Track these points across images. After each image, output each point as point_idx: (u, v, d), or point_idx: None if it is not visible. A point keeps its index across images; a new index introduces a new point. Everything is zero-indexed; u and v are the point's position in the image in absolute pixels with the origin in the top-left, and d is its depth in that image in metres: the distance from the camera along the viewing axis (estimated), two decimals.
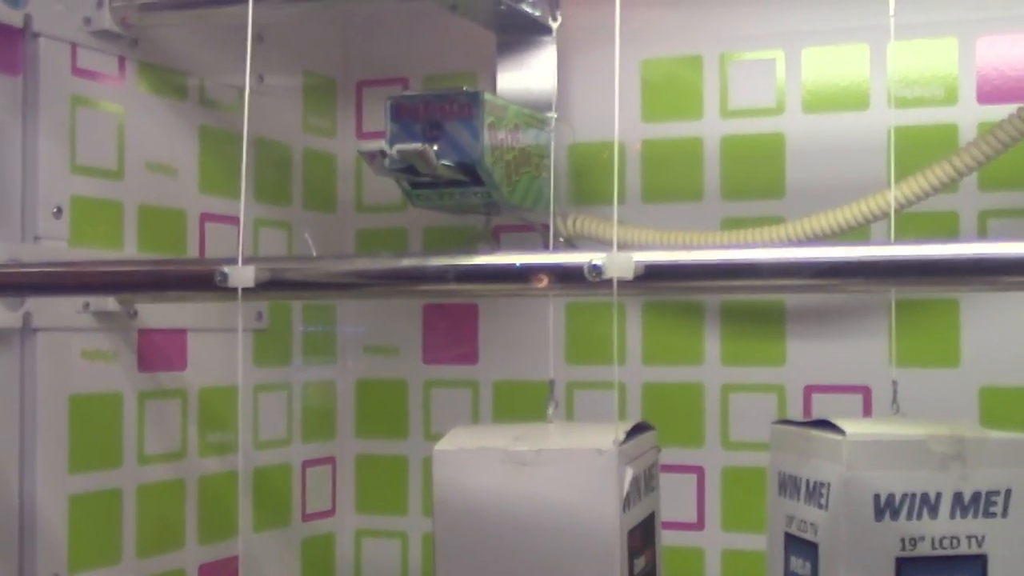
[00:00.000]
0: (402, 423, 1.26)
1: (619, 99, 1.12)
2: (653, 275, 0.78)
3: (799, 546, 0.83)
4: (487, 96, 0.98)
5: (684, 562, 1.15)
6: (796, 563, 0.83)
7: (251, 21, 0.89)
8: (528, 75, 1.12)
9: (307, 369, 1.24)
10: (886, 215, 1.00)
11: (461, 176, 0.99)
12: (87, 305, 0.96)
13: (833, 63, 1.13)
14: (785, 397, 1.14)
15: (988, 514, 0.78)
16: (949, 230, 1.08)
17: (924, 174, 0.99)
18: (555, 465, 0.81)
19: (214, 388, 1.10)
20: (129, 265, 0.97)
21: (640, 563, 0.86)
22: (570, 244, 1.13)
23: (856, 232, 1.02)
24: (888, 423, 0.84)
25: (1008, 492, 0.78)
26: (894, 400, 0.88)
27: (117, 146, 1.01)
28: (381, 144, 0.98)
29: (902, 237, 0.99)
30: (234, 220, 1.12)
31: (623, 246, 1.06)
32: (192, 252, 1.09)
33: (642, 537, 0.87)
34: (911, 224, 1.03)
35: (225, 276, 0.86)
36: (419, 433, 1.26)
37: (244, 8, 0.82)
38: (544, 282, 0.79)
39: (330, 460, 1.27)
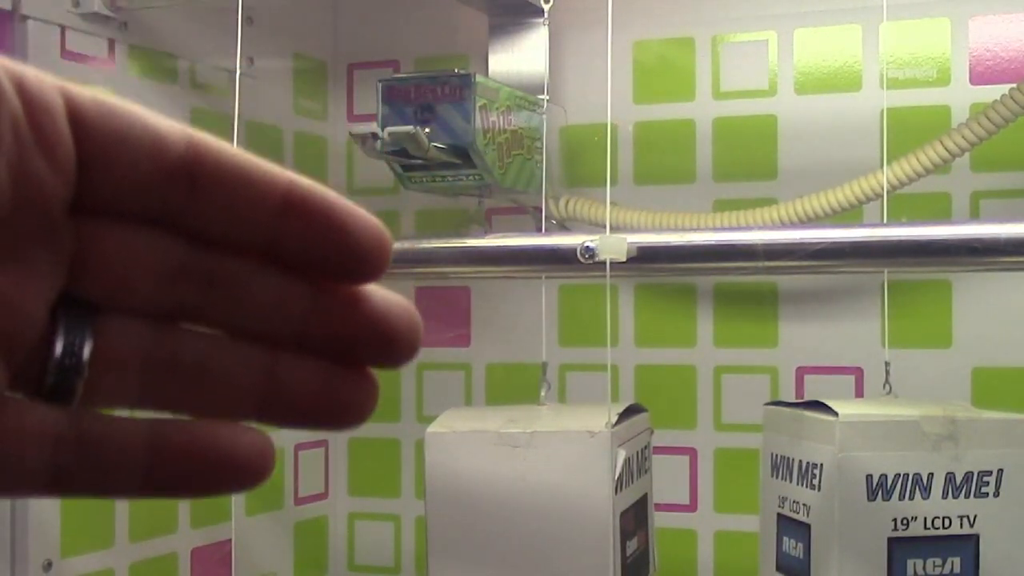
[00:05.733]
0: (394, 406, 1.26)
1: (611, 81, 1.12)
2: (646, 257, 0.78)
3: (792, 527, 0.83)
4: (479, 78, 0.98)
5: (677, 544, 1.16)
6: (789, 544, 0.83)
7: (241, 3, 0.89)
8: (520, 57, 1.12)
9: None
10: (879, 196, 1.00)
11: (453, 159, 0.98)
12: None
13: (825, 44, 1.12)
14: (778, 379, 1.14)
15: (980, 494, 0.78)
16: (942, 211, 1.08)
17: (917, 155, 0.99)
18: (548, 447, 0.81)
19: None
20: None
21: (633, 545, 0.86)
22: (563, 226, 1.13)
23: (849, 213, 1.02)
24: (881, 404, 0.85)
25: (1000, 472, 0.78)
26: (887, 381, 0.88)
27: None
28: (373, 127, 0.97)
29: (895, 218, 0.99)
30: None
31: (616, 228, 1.06)
32: None
33: (635, 519, 0.87)
34: (904, 205, 1.03)
35: None
36: (411, 416, 1.26)
37: None
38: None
39: (322, 443, 1.27)
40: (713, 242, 0.79)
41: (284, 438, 1.22)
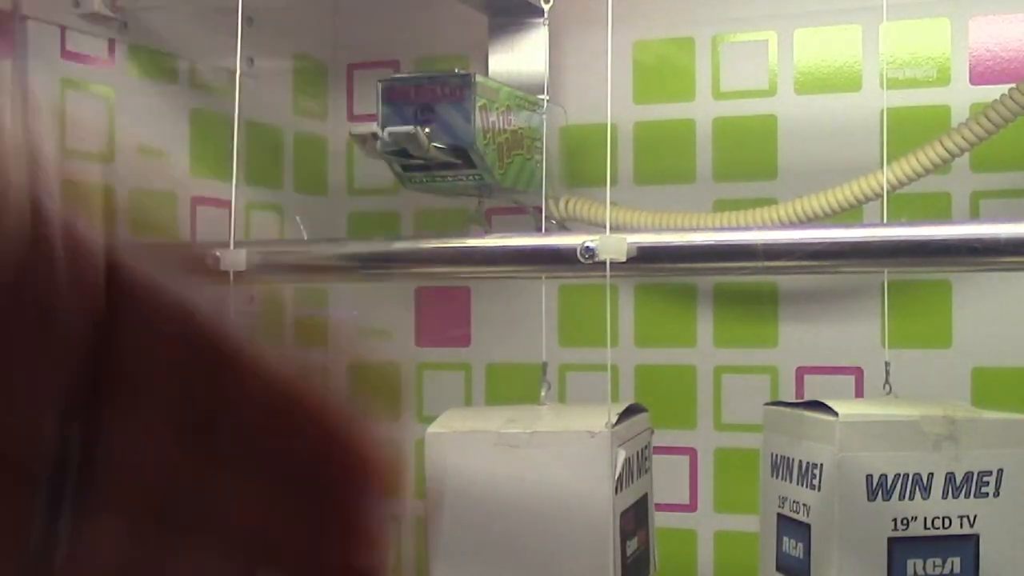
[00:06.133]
0: (394, 406, 1.26)
1: (611, 81, 1.12)
2: (646, 257, 0.78)
3: (792, 527, 0.83)
4: (479, 78, 0.98)
5: (677, 543, 1.16)
6: (789, 544, 0.83)
7: (241, 3, 0.89)
8: (520, 57, 1.12)
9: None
10: (879, 196, 1.00)
11: (453, 159, 0.98)
12: None
13: (825, 44, 1.12)
14: (778, 379, 1.14)
15: (980, 494, 0.78)
16: (942, 211, 1.08)
17: (916, 155, 0.99)
18: (548, 447, 0.81)
19: None
20: None
21: (633, 545, 0.86)
22: (563, 226, 1.13)
23: (849, 213, 1.02)
24: (881, 404, 0.85)
25: (1000, 472, 0.78)
26: (887, 381, 0.88)
27: (107, 129, 1.00)
28: (373, 127, 0.97)
29: (895, 218, 0.99)
30: (225, 203, 1.11)
31: (616, 228, 1.06)
32: (183, 236, 1.08)
33: (635, 519, 0.87)
34: (904, 205, 1.03)
35: (217, 259, 0.86)
36: (412, 416, 1.25)
37: None
38: None
39: None
40: (713, 242, 0.79)
41: None
